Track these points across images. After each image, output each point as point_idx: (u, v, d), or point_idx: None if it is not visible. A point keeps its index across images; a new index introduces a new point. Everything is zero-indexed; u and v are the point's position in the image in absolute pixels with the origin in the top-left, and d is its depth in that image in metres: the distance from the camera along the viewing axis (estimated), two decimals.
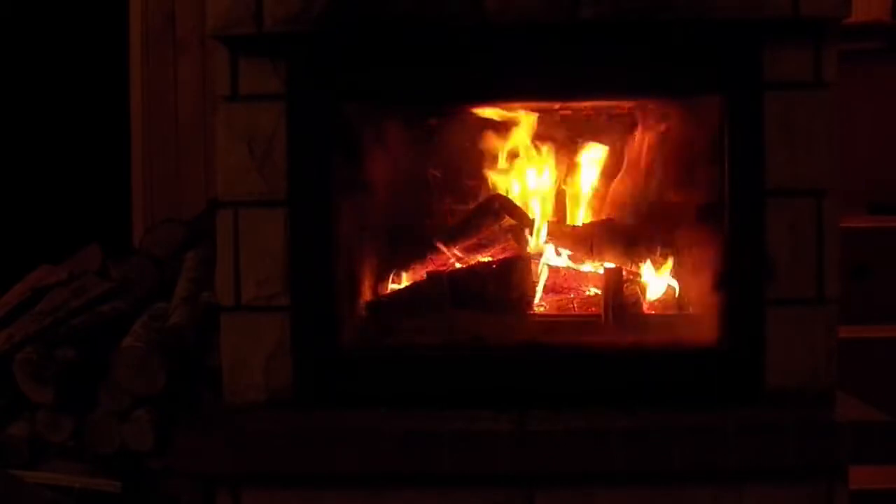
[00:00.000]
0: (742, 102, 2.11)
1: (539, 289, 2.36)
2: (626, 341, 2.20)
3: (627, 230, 2.40)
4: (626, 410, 2.05)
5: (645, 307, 2.33)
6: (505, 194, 2.47)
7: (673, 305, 2.34)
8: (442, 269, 2.39)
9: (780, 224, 2.11)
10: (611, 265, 2.31)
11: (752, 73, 2.10)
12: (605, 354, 2.17)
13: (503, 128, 2.46)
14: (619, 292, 2.26)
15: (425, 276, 2.37)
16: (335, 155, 2.17)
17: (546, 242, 2.42)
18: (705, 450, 1.98)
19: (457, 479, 2.00)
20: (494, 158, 2.50)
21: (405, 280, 2.40)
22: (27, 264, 2.86)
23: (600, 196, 2.49)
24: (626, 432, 1.98)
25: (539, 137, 2.46)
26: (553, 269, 2.41)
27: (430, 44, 2.13)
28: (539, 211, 2.48)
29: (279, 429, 2.04)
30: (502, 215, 2.43)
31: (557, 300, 2.38)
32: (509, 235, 2.42)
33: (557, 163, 2.48)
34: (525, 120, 2.44)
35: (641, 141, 2.42)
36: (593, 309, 2.34)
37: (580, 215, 2.49)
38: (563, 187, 2.50)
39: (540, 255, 2.40)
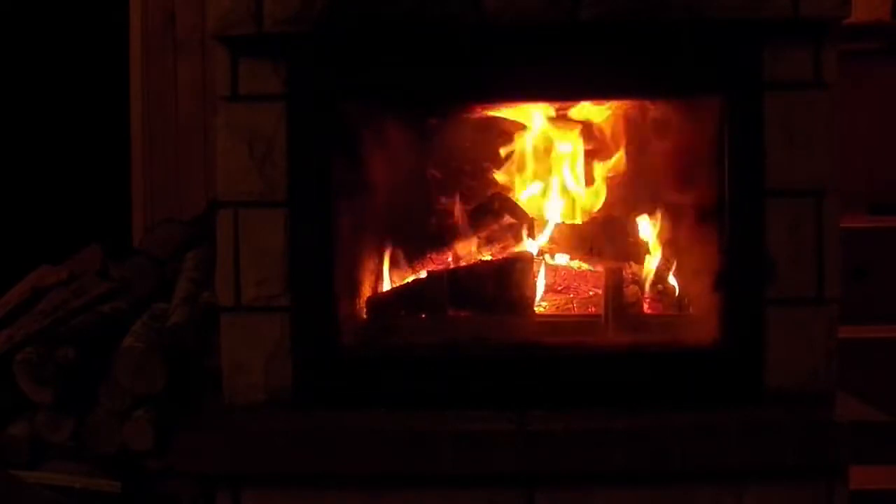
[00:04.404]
0: (742, 102, 2.11)
1: (539, 289, 2.36)
2: (626, 341, 2.20)
3: (628, 230, 2.40)
4: (626, 410, 2.05)
5: (645, 307, 2.33)
6: (505, 194, 2.47)
7: (673, 305, 2.34)
8: (442, 268, 2.39)
9: (780, 224, 2.11)
10: (611, 265, 2.31)
11: (752, 73, 2.10)
12: (605, 354, 2.18)
13: (503, 127, 2.46)
14: (619, 292, 2.26)
15: (425, 275, 2.37)
16: (335, 155, 2.17)
17: (546, 242, 2.42)
18: (705, 450, 1.98)
19: (457, 479, 2.00)
20: (494, 158, 2.50)
21: (405, 280, 2.40)
22: (27, 264, 2.86)
23: (600, 196, 2.49)
24: (626, 432, 1.99)
25: (539, 137, 2.46)
26: (553, 269, 2.41)
27: (430, 44, 2.13)
28: (539, 210, 2.48)
29: (279, 429, 2.04)
30: (502, 215, 2.43)
31: (557, 300, 2.38)
32: (509, 235, 2.42)
33: (557, 162, 2.48)
34: (525, 120, 2.44)
35: (641, 141, 2.41)
36: (593, 309, 2.34)
37: (580, 215, 2.49)
38: (563, 187, 2.50)
39: (540, 254, 2.40)
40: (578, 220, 2.47)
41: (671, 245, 2.34)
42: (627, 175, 2.45)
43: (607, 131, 2.45)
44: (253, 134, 2.15)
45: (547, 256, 2.42)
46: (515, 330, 2.25)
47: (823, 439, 1.98)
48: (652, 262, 2.36)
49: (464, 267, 2.39)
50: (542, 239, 2.42)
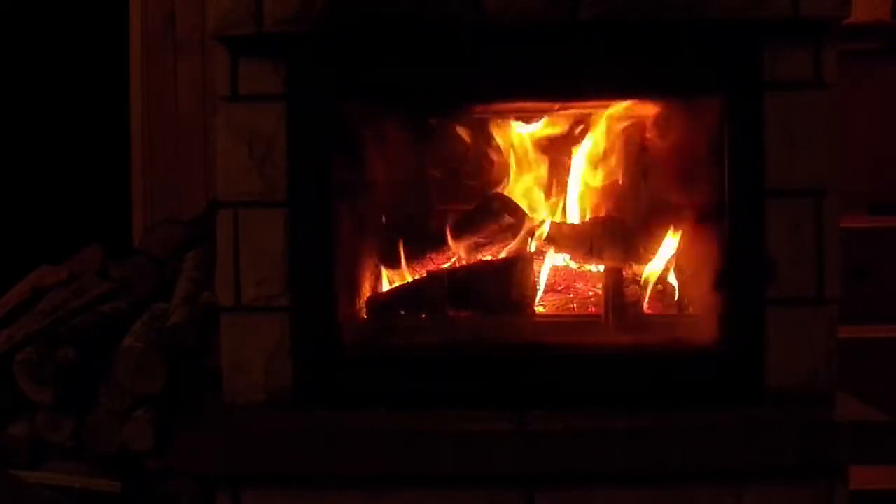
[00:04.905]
0: (742, 102, 2.11)
1: (539, 288, 2.36)
2: (626, 341, 2.20)
3: (628, 230, 2.40)
4: (626, 410, 2.05)
5: (645, 307, 2.33)
6: (505, 193, 2.47)
7: (673, 305, 2.34)
8: (442, 268, 2.39)
9: (780, 224, 2.11)
10: (611, 265, 2.31)
11: (752, 73, 2.10)
12: (605, 354, 2.18)
13: (503, 127, 2.47)
14: (619, 292, 2.26)
15: (425, 276, 2.37)
16: (335, 155, 2.17)
17: (546, 242, 2.42)
18: (705, 450, 1.98)
19: (457, 479, 2.00)
20: (494, 158, 2.50)
21: (405, 280, 2.40)
22: (27, 264, 2.86)
23: (600, 196, 2.49)
24: (626, 432, 1.98)
25: (538, 137, 2.46)
26: (553, 269, 2.41)
27: (430, 44, 2.13)
28: (539, 210, 2.48)
29: (279, 429, 2.04)
30: (502, 214, 2.43)
31: (557, 300, 2.38)
32: (509, 235, 2.42)
33: (557, 162, 2.48)
34: (524, 120, 2.44)
35: (641, 141, 2.42)
36: (593, 309, 2.34)
37: (580, 215, 2.49)
38: (563, 187, 2.50)
39: (540, 254, 2.40)
40: (578, 220, 2.47)
41: (671, 245, 2.34)
42: (627, 175, 2.45)
43: (606, 131, 2.45)
44: (253, 134, 2.15)
45: (548, 256, 2.42)
46: (515, 330, 2.25)
47: (823, 439, 1.98)
48: (652, 262, 2.36)
49: (464, 267, 2.39)
50: (542, 238, 2.42)
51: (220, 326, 2.17)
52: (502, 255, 2.41)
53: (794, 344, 2.11)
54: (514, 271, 2.31)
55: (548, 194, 2.50)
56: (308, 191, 2.14)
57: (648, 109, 2.38)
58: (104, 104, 3.49)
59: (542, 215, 2.47)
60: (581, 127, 2.45)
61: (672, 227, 2.32)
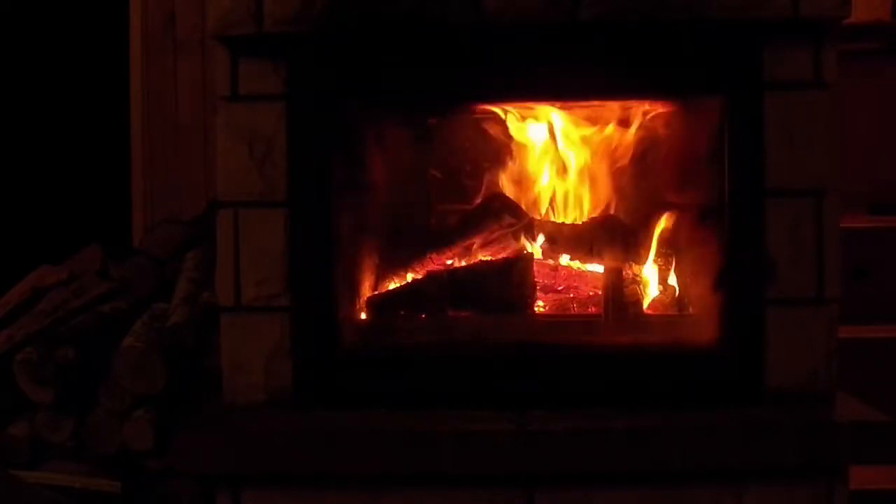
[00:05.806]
0: (742, 102, 2.11)
1: (539, 288, 2.35)
2: (626, 341, 2.20)
3: (628, 230, 2.40)
4: (626, 410, 2.05)
5: (645, 307, 2.33)
6: (505, 193, 2.47)
7: (673, 305, 2.34)
8: (442, 268, 2.39)
9: (780, 224, 2.11)
10: (611, 265, 2.31)
11: (752, 73, 2.10)
12: (605, 354, 2.18)
13: (503, 127, 2.46)
14: (619, 292, 2.26)
15: (425, 275, 2.37)
16: (335, 155, 2.17)
17: (546, 241, 2.42)
18: (705, 450, 1.98)
19: (457, 479, 2.00)
20: (494, 158, 2.50)
21: (405, 280, 2.40)
22: (27, 264, 2.86)
23: (600, 196, 2.49)
24: (626, 432, 1.99)
25: (539, 137, 2.46)
26: (553, 269, 2.41)
27: (430, 44, 2.13)
28: (539, 210, 2.48)
29: (279, 429, 2.04)
30: (503, 214, 2.43)
31: (557, 300, 2.38)
32: (510, 235, 2.42)
33: (557, 162, 2.48)
34: (525, 119, 2.44)
35: (641, 141, 2.41)
36: (593, 309, 2.34)
37: (580, 215, 2.49)
38: (563, 187, 2.50)
39: (540, 254, 2.40)
40: (578, 220, 2.47)
41: (671, 245, 2.34)
42: (628, 175, 2.45)
43: (607, 131, 2.45)
44: (253, 134, 2.15)
45: (548, 256, 2.42)
46: (515, 330, 2.25)
47: (823, 439, 1.99)
48: (652, 263, 2.36)
49: (464, 267, 2.39)
50: (542, 238, 2.42)
51: (220, 326, 2.17)
52: (502, 255, 2.41)
53: (794, 344, 2.11)
54: (514, 271, 2.31)
55: (548, 193, 2.50)
56: (308, 191, 2.14)
57: (648, 109, 2.38)
58: (104, 104, 3.49)
59: (542, 215, 2.47)
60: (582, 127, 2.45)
61: (672, 227, 2.32)
